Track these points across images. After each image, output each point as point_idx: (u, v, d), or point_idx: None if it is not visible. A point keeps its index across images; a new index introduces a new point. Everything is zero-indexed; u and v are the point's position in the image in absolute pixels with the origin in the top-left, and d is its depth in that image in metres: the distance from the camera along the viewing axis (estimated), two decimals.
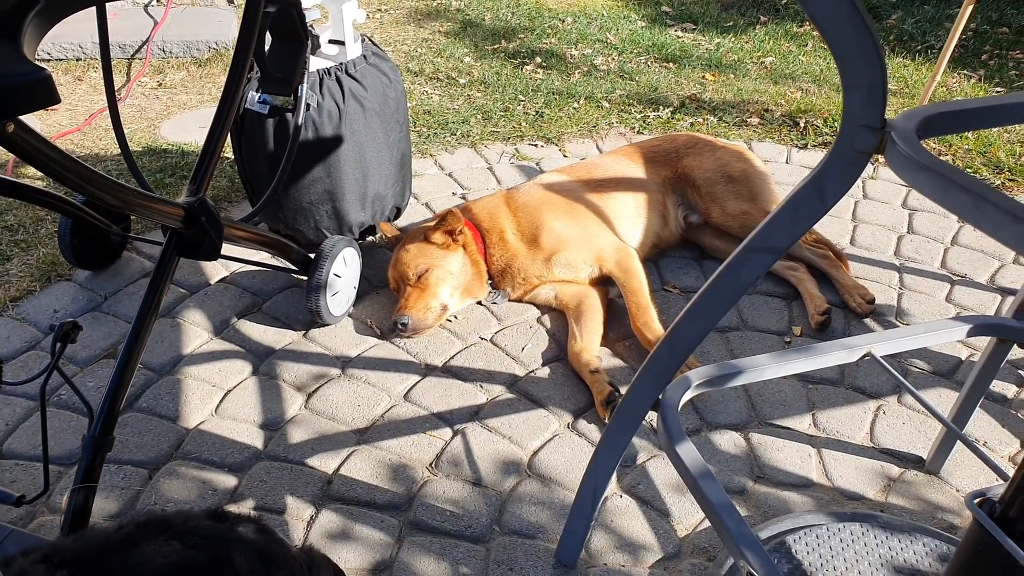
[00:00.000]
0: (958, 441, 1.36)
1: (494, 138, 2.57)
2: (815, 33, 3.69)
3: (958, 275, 1.95)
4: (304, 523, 1.26)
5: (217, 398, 1.51)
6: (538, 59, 3.27)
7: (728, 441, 1.44)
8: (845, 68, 0.68)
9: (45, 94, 0.83)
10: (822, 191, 0.74)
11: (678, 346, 0.91)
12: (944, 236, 2.11)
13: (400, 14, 3.80)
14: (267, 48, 1.51)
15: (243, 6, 1.31)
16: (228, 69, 1.35)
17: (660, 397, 0.96)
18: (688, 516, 1.30)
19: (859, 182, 2.37)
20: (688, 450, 0.90)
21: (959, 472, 1.39)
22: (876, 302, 1.80)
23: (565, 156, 2.47)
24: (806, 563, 1.15)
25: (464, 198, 2.22)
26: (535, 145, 2.53)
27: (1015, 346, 1.18)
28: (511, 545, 1.23)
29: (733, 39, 3.64)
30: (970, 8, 2.25)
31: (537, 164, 2.41)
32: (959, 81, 3.14)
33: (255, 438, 1.42)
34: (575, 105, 2.81)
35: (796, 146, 2.58)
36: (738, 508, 1.31)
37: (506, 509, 1.30)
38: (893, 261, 2.01)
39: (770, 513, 1.30)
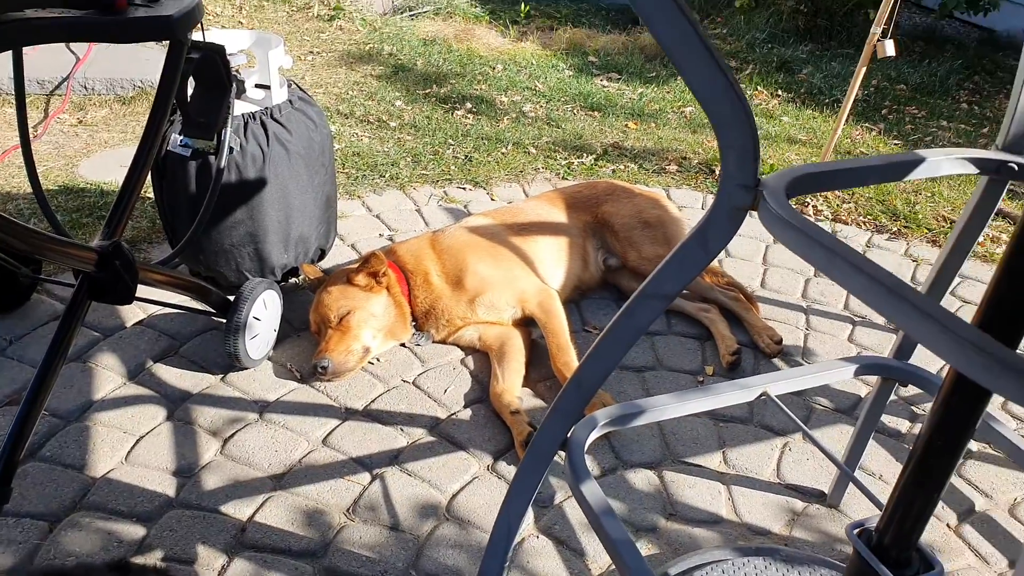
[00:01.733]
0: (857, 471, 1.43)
1: (423, 181, 2.61)
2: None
3: (859, 316, 2.07)
4: (215, 572, 1.23)
5: (128, 445, 1.47)
6: (468, 105, 3.35)
7: (642, 479, 1.49)
8: (721, 133, 0.74)
9: None
10: (706, 243, 0.80)
11: (584, 385, 0.95)
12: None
13: (332, 57, 3.83)
14: (190, 93, 1.52)
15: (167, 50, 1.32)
16: (149, 112, 1.35)
17: (568, 436, 1.00)
18: (602, 555, 1.33)
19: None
20: (592, 489, 0.93)
21: (857, 505, 1.46)
22: (784, 342, 1.89)
23: (493, 200, 2.53)
24: None
25: (391, 239, 2.24)
26: (463, 188, 2.58)
27: (899, 384, 1.27)
28: None
29: (656, 89, 3.80)
30: (864, 69, 2.43)
31: (465, 207, 2.46)
32: (861, 133, 3.36)
33: (167, 486, 1.39)
34: (503, 150, 2.88)
35: (711, 192, 2.70)
36: (650, 545, 1.35)
37: (423, 553, 1.30)
38: (800, 303, 2.12)
39: (680, 550, 1.34)
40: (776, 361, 1.86)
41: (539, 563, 1.30)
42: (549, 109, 3.42)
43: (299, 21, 4.28)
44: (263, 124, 1.72)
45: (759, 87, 3.89)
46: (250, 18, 4.20)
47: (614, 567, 1.31)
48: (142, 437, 1.49)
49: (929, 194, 2.74)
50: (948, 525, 1.44)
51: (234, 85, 1.56)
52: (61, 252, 1.13)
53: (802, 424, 1.02)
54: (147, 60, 3.15)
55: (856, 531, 0.91)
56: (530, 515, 1.39)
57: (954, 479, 1.54)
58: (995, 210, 1.03)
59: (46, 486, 1.35)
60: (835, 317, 2.07)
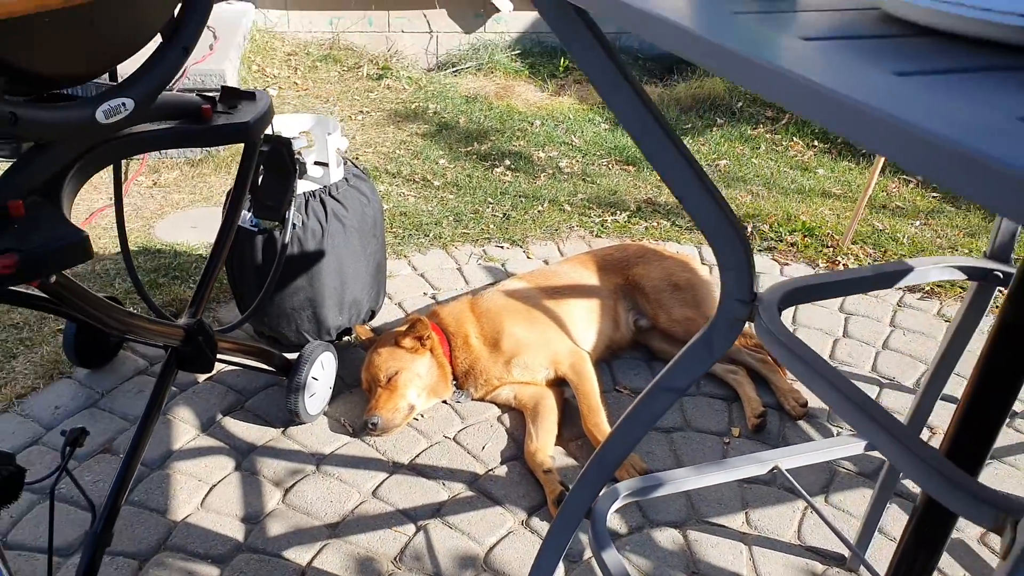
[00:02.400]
0: (873, 539, 1.52)
1: (464, 239, 2.78)
2: (767, 136, 4.01)
3: (887, 379, 2.15)
4: None
5: (203, 492, 1.64)
6: (507, 161, 3.53)
7: (667, 538, 1.60)
8: (720, 256, 0.88)
9: (82, 253, 1.00)
10: (710, 346, 0.93)
11: (607, 462, 1.08)
12: (876, 340, 2.32)
13: (380, 116, 4.07)
14: (260, 179, 1.70)
15: (242, 146, 1.51)
16: (229, 198, 1.53)
17: (593, 506, 1.12)
18: None
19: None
20: (612, 556, 1.06)
21: (877, 567, 1.55)
22: (809, 405, 1.99)
23: (529, 257, 2.68)
24: None
25: (434, 298, 2.40)
26: (501, 247, 2.74)
27: None
28: None
29: (690, 141, 3.94)
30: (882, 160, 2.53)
31: (503, 265, 2.62)
32: (898, 186, 3.43)
33: (236, 531, 1.55)
34: (539, 208, 3.04)
35: (782, 263, 2.80)
36: None
37: None
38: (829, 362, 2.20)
39: None
40: (802, 423, 1.95)
41: None
42: (585, 164, 3.57)
43: (349, 81, 4.54)
44: (322, 201, 1.90)
45: (795, 138, 4.00)
46: (304, 78, 4.48)
47: None
48: (214, 486, 1.66)
49: (967, 250, 2.81)
50: None
51: (297, 168, 1.74)
52: (154, 331, 1.31)
53: (808, 498, 1.13)
54: None
55: None
56: (561, 570, 1.51)
57: (978, 548, 1.61)
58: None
59: (135, 528, 1.52)
60: (862, 379, 2.16)
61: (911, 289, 2.58)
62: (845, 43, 0.53)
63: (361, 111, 4.11)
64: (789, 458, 1.26)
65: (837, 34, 0.56)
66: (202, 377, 1.98)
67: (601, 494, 1.14)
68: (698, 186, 0.84)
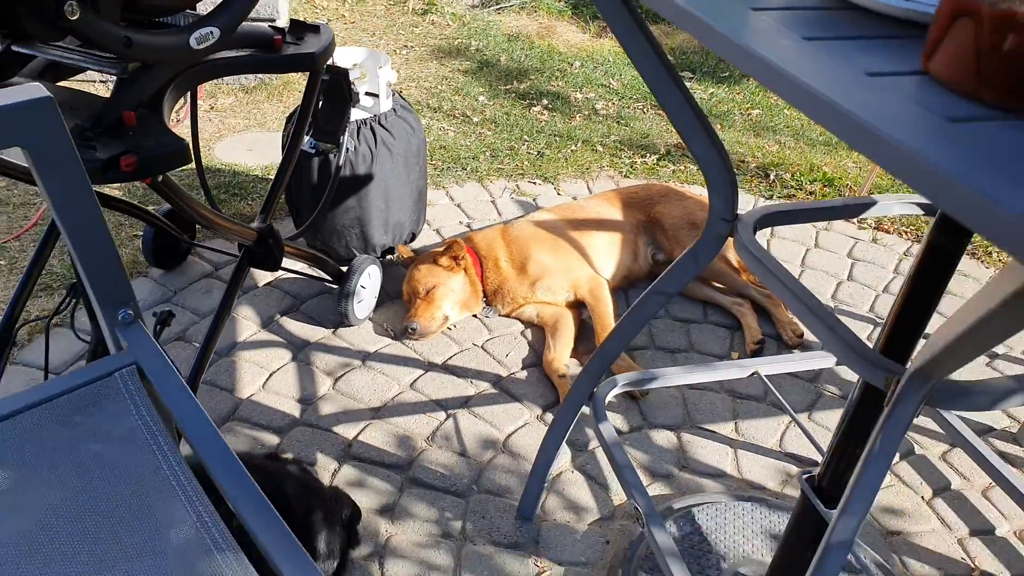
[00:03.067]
0: None
1: (499, 174, 2.97)
2: None
3: (880, 318, 2.33)
4: (330, 474, 1.65)
5: (264, 377, 1.91)
6: (545, 101, 3.68)
7: (663, 438, 1.83)
8: (709, 181, 1.07)
9: (184, 158, 1.23)
10: (696, 258, 1.13)
11: (606, 354, 1.30)
12: (878, 285, 2.48)
13: (424, 51, 4.22)
14: (320, 106, 1.91)
15: (306, 76, 1.72)
16: (295, 122, 1.74)
17: (594, 390, 1.35)
18: (622, 491, 1.68)
19: (813, 232, 2.76)
20: (608, 428, 1.29)
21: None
22: (804, 337, 2.18)
23: (559, 194, 2.87)
24: (704, 526, 1.53)
25: (469, 227, 2.61)
26: (534, 183, 2.93)
27: None
28: (485, 500, 1.62)
29: (726, 89, 4.04)
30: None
31: (534, 200, 2.81)
32: None
33: (293, 409, 1.81)
34: (573, 148, 3.22)
35: (763, 196, 2.97)
36: (662, 488, 1.69)
37: (483, 474, 1.68)
38: (829, 304, 2.39)
39: (687, 493, 1.68)
40: (796, 353, 2.15)
41: (572, 491, 1.66)
42: (620, 107, 3.71)
43: (395, 15, 4.68)
44: (372, 129, 2.11)
45: None
46: (352, 11, 4.63)
47: None
48: (274, 372, 1.92)
49: None
50: (922, 497, 1.73)
51: (353, 97, 1.94)
52: (234, 230, 1.54)
53: (782, 400, 1.34)
54: None
55: (805, 476, 1.24)
56: (568, 455, 1.75)
57: (936, 462, 1.82)
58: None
59: (208, 402, 1.80)
60: (860, 318, 2.34)
61: (920, 239, 2.73)
62: (787, 14, 0.72)
63: (406, 45, 4.27)
64: (768, 365, 1.47)
65: (784, 5, 0.74)
66: (262, 282, 2.23)
67: (602, 383, 1.37)
68: (696, 123, 1.03)
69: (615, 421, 1.86)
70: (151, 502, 0.67)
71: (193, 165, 1.90)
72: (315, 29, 1.70)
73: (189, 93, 1.73)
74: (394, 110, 2.17)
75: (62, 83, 1.47)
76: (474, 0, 5.12)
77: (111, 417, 0.73)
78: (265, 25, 1.64)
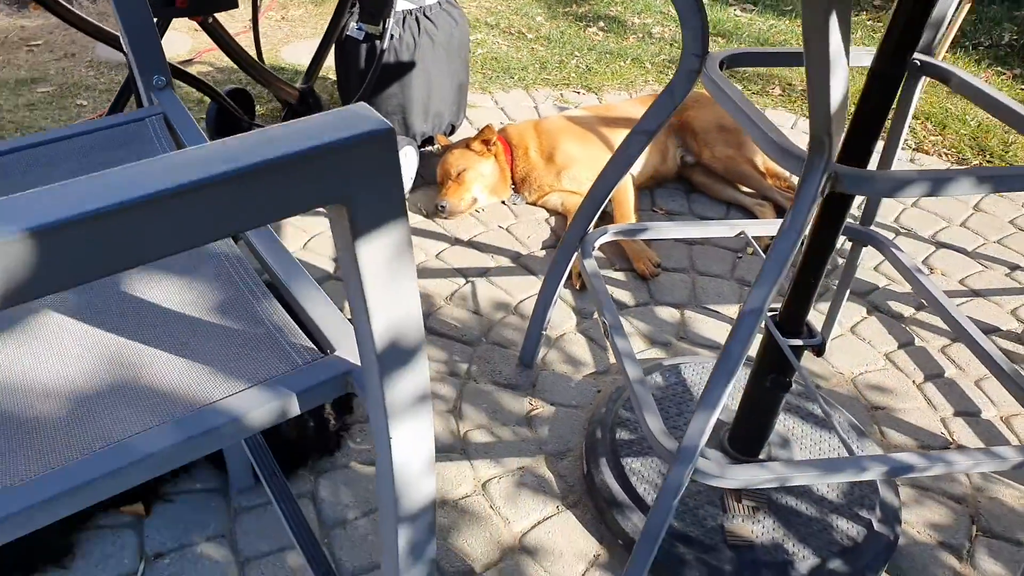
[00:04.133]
0: (836, 325, 1.80)
1: (545, 84, 3.06)
2: (868, 23, 4.00)
3: (906, 228, 2.35)
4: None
5: (305, 239, 2.09)
6: (601, 23, 3.72)
7: (667, 313, 1.93)
8: (682, 17, 1.16)
9: (230, 1, 1.39)
10: (672, 94, 1.22)
11: (596, 197, 1.41)
12: (906, 199, 2.49)
13: None
14: None
15: None
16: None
17: (585, 234, 1.46)
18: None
19: None
20: (591, 263, 1.40)
21: (837, 353, 1.84)
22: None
23: (600, 103, 2.94)
24: (689, 380, 1.64)
25: None
26: (578, 92, 3.01)
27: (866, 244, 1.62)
28: (491, 350, 1.77)
29: (788, 22, 3.98)
30: (968, 5, 2.59)
31: (576, 107, 2.89)
32: (990, 77, 3.42)
33: (328, 266, 2.00)
34: (621, 63, 3.27)
35: (804, 116, 2.96)
36: (660, 352, 1.80)
37: (492, 329, 1.83)
38: (854, 213, 2.41)
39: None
40: None
41: (572, 349, 1.79)
42: (676, 32, 3.72)
43: None
44: (416, 19, 2.23)
45: None
46: None
47: None
48: (314, 235, 2.11)
49: None
50: (913, 381, 1.79)
51: None
52: (281, 86, 1.71)
53: (759, 249, 1.42)
54: None
55: (770, 314, 1.33)
56: (574, 320, 1.88)
57: (935, 353, 1.86)
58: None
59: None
60: (880, 225, 2.36)
61: (960, 163, 2.69)
62: None
63: None
64: (754, 227, 1.54)
65: None
66: None
67: (595, 230, 1.48)
68: None
69: (623, 298, 1.97)
70: None
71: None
72: None
73: None
74: (439, 3, 2.29)
75: None
76: None
77: (141, 153, 0.90)
78: None
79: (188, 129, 0.92)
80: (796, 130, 2.87)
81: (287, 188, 0.38)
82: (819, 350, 1.32)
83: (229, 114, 2.34)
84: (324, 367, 0.63)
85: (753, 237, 1.54)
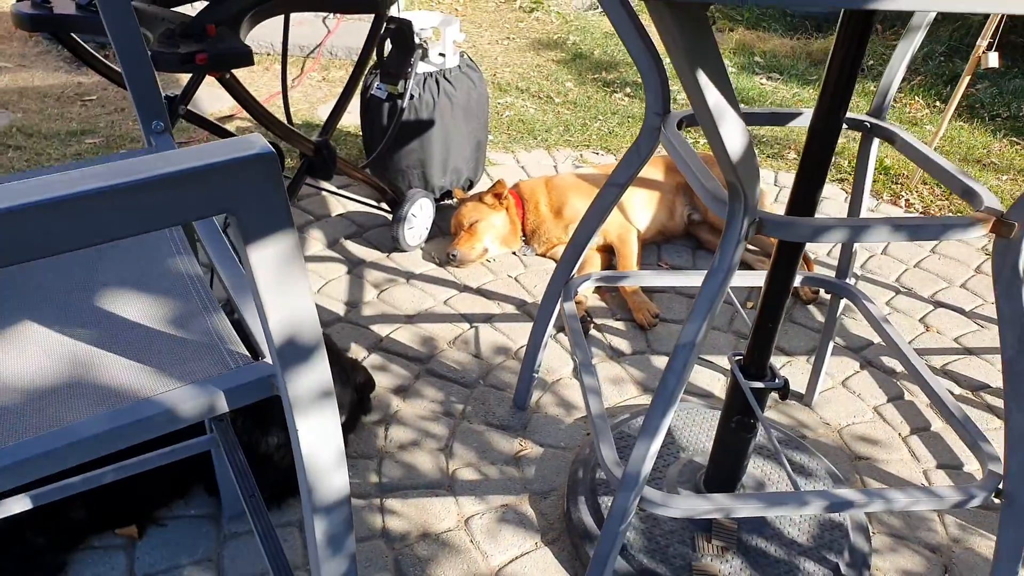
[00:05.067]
0: (828, 378, 1.84)
1: (567, 145, 3.20)
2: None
3: (906, 288, 2.37)
4: (361, 358, 1.93)
5: (320, 283, 2.23)
6: (628, 89, 3.88)
7: (662, 362, 1.99)
8: (645, 78, 1.27)
9: (247, 60, 1.55)
10: (639, 149, 1.33)
11: (577, 244, 1.50)
12: (909, 259, 2.52)
13: (524, 43, 4.52)
14: (388, 52, 2.23)
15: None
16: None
17: (570, 278, 1.56)
18: (611, 397, 1.86)
19: (845, 211, 2.80)
20: (570, 305, 1.49)
21: (826, 405, 1.86)
22: (820, 294, 2.27)
23: None
24: (672, 424, 1.69)
25: None
26: (597, 154, 3.14)
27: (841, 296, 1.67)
28: (487, 392, 1.85)
29: (811, 91, 4.08)
30: (967, 78, 2.66)
31: (586, 165, 3.02)
32: (1003, 147, 3.44)
33: (339, 309, 2.12)
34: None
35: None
36: (650, 399, 1.85)
37: (491, 373, 1.92)
38: (856, 272, 2.45)
39: None
40: (810, 307, 2.25)
41: (567, 393, 1.86)
42: None
43: (504, 12, 5.02)
44: (436, 81, 2.40)
45: (918, 97, 4.02)
46: (464, 6, 5.01)
47: (619, 404, 1.84)
48: (329, 280, 2.24)
49: None
50: (899, 433, 1.80)
51: (419, 49, 2.25)
52: (295, 137, 1.87)
53: (741, 308, 1.49)
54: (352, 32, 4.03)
55: (736, 358, 1.39)
56: (570, 366, 1.95)
57: (923, 408, 1.87)
58: None
59: None
60: (881, 284, 2.39)
61: None
62: None
63: (508, 37, 4.59)
64: (742, 277, 1.61)
65: None
66: (334, 212, 2.58)
67: (578, 276, 1.57)
68: (637, 38, 1.23)
69: (620, 346, 2.04)
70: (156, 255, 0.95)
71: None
72: None
73: (283, 30, 2.09)
74: (459, 67, 2.46)
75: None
76: (580, 4, 5.39)
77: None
78: None
79: None
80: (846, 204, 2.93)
81: (185, 197, 0.49)
82: (783, 393, 1.38)
83: None
84: (252, 370, 0.73)
85: (731, 288, 1.61)
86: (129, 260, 0.91)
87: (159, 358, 0.75)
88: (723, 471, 1.44)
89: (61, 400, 0.69)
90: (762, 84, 4.14)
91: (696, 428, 1.69)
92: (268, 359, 0.74)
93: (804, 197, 1.15)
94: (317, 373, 0.63)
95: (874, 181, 3.00)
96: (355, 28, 4.10)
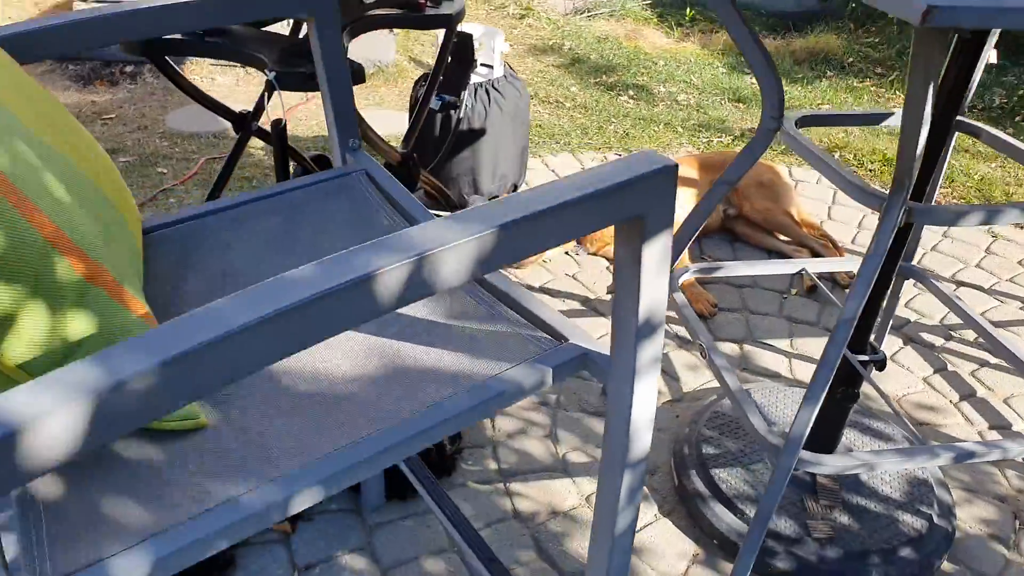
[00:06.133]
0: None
1: (588, 148, 3.35)
2: (872, 88, 4.32)
3: (929, 270, 2.58)
4: None
5: None
6: (631, 92, 4.05)
7: (728, 347, 2.15)
8: (762, 87, 1.41)
9: (359, 77, 1.65)
10: (753, 150, 1.47)
11: (680, 240, 1.64)
12: (927, 243, 2.73)
13: (522, 49, 4.66)
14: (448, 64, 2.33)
15: (440, 37, 2.14)
16: (428, 76, 2.17)
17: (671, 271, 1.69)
18: (690, 383, 2.01)
19: None
20: (680, 296, 1.63)
21: (882, 378, 2.04)
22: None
23: None
24: (758, 402, 1.84)
25: None
26: (619, 155, 3.29)
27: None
28: (575, 383, 1.98)
29: (799, 89, 4.31)
30: None
31: None
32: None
33: None
34: (655, 128, 3.56)
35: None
36: None
37: None
38: None
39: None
40: (847, 291, 2.43)
41: None
42: (700, 99, 4.04)
43: (496, 18, 5.15)
44: (487, 91, 2.52)
45: (899, 92, 4.29)
46: None
47: (699, 388, 1.98)
48: None
49: None
50: (950, 400, 1.99)
51: (475, 59, 2.36)
52: (385, 148, 1.97)
53: (833, 298, 1.65)
54: (383, 46, 4.11)
55: None
56: None
57: (968, 379, 2.07)
58: None
59: None
60: None
61: None
62: None
63: (505, 43, 4.71)
64: (816, 264, 1.78)
65: None
66: None
67: (678, 268, 1.71)
68: (757, 51, 1.37)
69: (686, 335, 2.19)
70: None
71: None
72: None
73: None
74: (505, 76, 2.58)
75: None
76: (566, 8, 5.55)
77: (354, 201, 1.14)
78: None
79: (389, 182, 1.16)
80: (821, 185, 3.14)
81: (608, 206, 0.61)
82: (881, 365, 1.54)
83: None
84: (566, 351, 0.85)
85: (815, 273, 1.77)
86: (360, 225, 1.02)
87: (483, 345, 0.86)
88: (823, 440, 1.60)
89: (413, 385, 0.80)
90: (753, 84, 4.35)
91: (780, 406, 1.84)
92: (573, 341, 0.86)
93: (921, 189, 1.31)
94: (657, 343, 0.75)
95: (879, 173, 3.23)
96: (363, 39, 4.16)
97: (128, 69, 3.90)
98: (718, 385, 2.00)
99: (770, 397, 1.86)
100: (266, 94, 1.99)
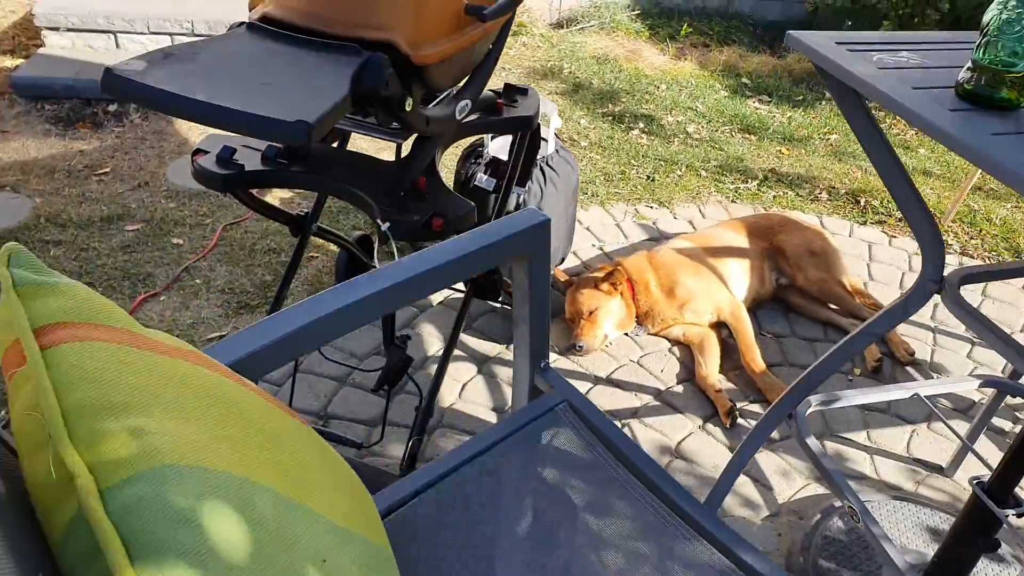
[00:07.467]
0: (968, 453, 2.01)
1: (617, 198, 3.26)
2: (874, 111, 4.34)
3: (978, 338, 2.60)
4: None
5: (458, 388, 2.21)
6: (641, 124, 3.96)
7: (810, 443, 2.11)
8: (923, 250, 1.35)
9: (471, 217, 1.52)
10: (906, 308, 1.42)
11: (813, 380, 1.58)
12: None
13: (520, 72, 4.51)
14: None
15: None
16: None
17: (795, 410, 1.64)
18: (784, 491, 1.97)
19: (909, 259, 3.03)
20: (812, 441, 1.58)
21: (966, 476, 2.04)
22: (916, 355, 2.45)
23: (675, 218, 3.15)
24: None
25: (601, 249, 2.90)
26: (650, 207, 3.22)
27: (1009, 396, 1.84)
28: None
29: (803, 113, 4.30)
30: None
31: (654, 223, 3.10)
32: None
33: (489, 416, 2.12)
34: (679, 172, 3.50)
35: (857, 222, 3.23)
36: (816, 488, 1.98)
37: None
38: (929, 324, 2.66)
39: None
40: (908, 369, 2.43)
41: (743, 491, 1.96)
42: (710, 130, 3.99)
43: None
44: (542, 169, 2.40)
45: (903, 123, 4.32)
46: None
47: (793, 497, 1.95)
48: (465, 383, 2.23)
49: None
50: None
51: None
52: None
53: (943, 417, 1.62)
54: None
55: (975, 481, 1.52)
56: (726, 457, 2.04)
57: None
58: None
59: (410, 408, 2.10)
60: (958, 337, 2.61)
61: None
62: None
63: (503, 67, 4.55)
64: (925, 388, 1.75)
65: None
66: (435, 301, 2.54)
67: (799, 404, 1.65)
68: (917, 205, 1.31)
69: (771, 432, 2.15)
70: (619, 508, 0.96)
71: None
72: (523, 91, 1.99)
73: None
74: (557, 151, 2.46)
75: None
76: (551, 19, 5.39)
77: (566, 442, 1.03)
78: (488, 91, 1.94)
79: (590, 410, 1.06)
80: (854, 237, 3.13)
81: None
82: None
83: (357, 259, 2.45)
84: None
85: (926, 397, 1.74)
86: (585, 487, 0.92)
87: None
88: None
89: None
90: (756, 108, 4.32)
91: (886, 524, 1.82)
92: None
93: None
94: None
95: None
96: None
97: (111, 108, 3.61)
98: (815, 492, 1.97)
99: (885, 514, 1.84)
100: (375, 236, 1.85)
